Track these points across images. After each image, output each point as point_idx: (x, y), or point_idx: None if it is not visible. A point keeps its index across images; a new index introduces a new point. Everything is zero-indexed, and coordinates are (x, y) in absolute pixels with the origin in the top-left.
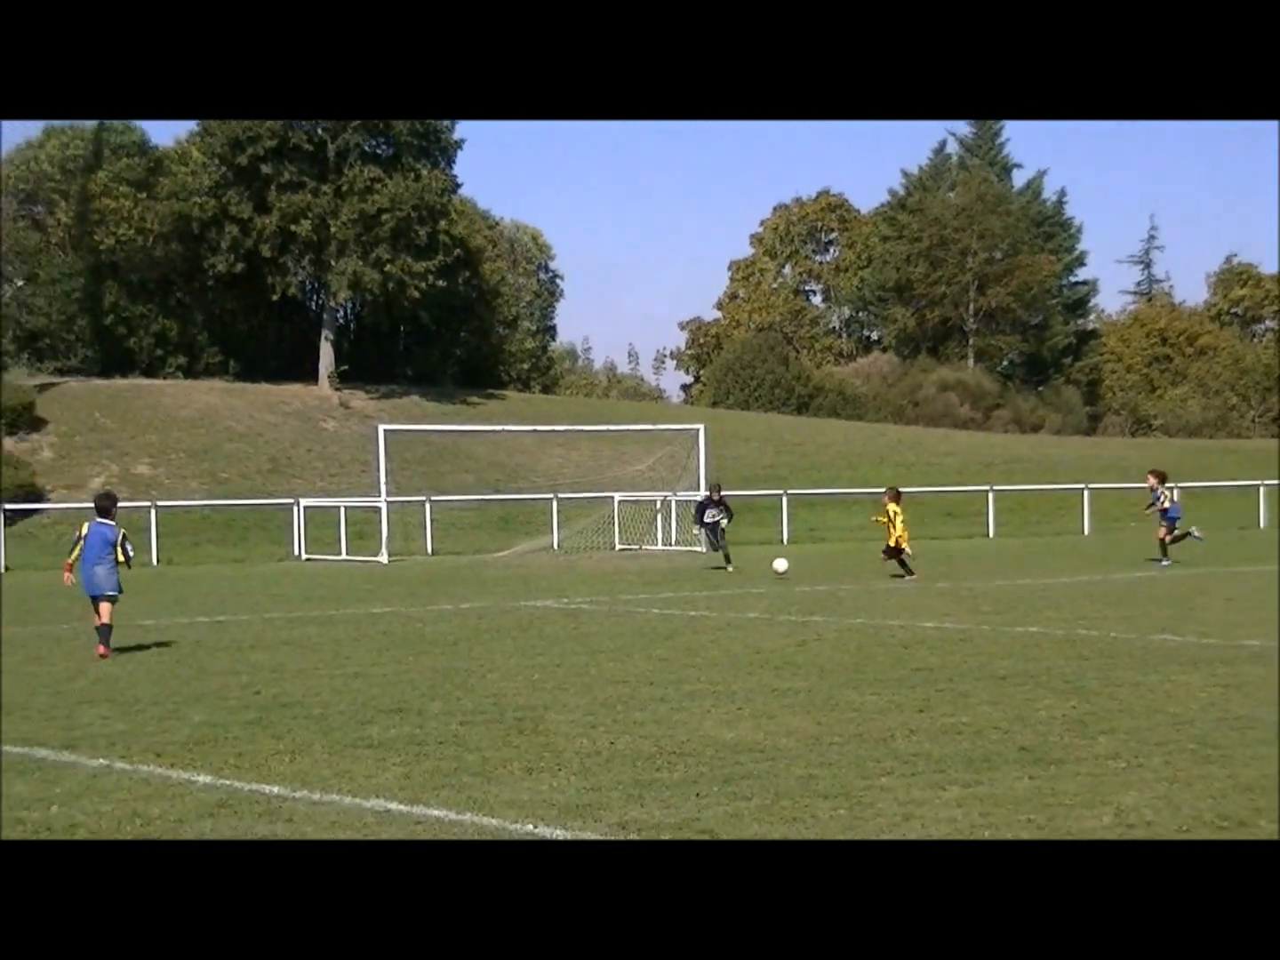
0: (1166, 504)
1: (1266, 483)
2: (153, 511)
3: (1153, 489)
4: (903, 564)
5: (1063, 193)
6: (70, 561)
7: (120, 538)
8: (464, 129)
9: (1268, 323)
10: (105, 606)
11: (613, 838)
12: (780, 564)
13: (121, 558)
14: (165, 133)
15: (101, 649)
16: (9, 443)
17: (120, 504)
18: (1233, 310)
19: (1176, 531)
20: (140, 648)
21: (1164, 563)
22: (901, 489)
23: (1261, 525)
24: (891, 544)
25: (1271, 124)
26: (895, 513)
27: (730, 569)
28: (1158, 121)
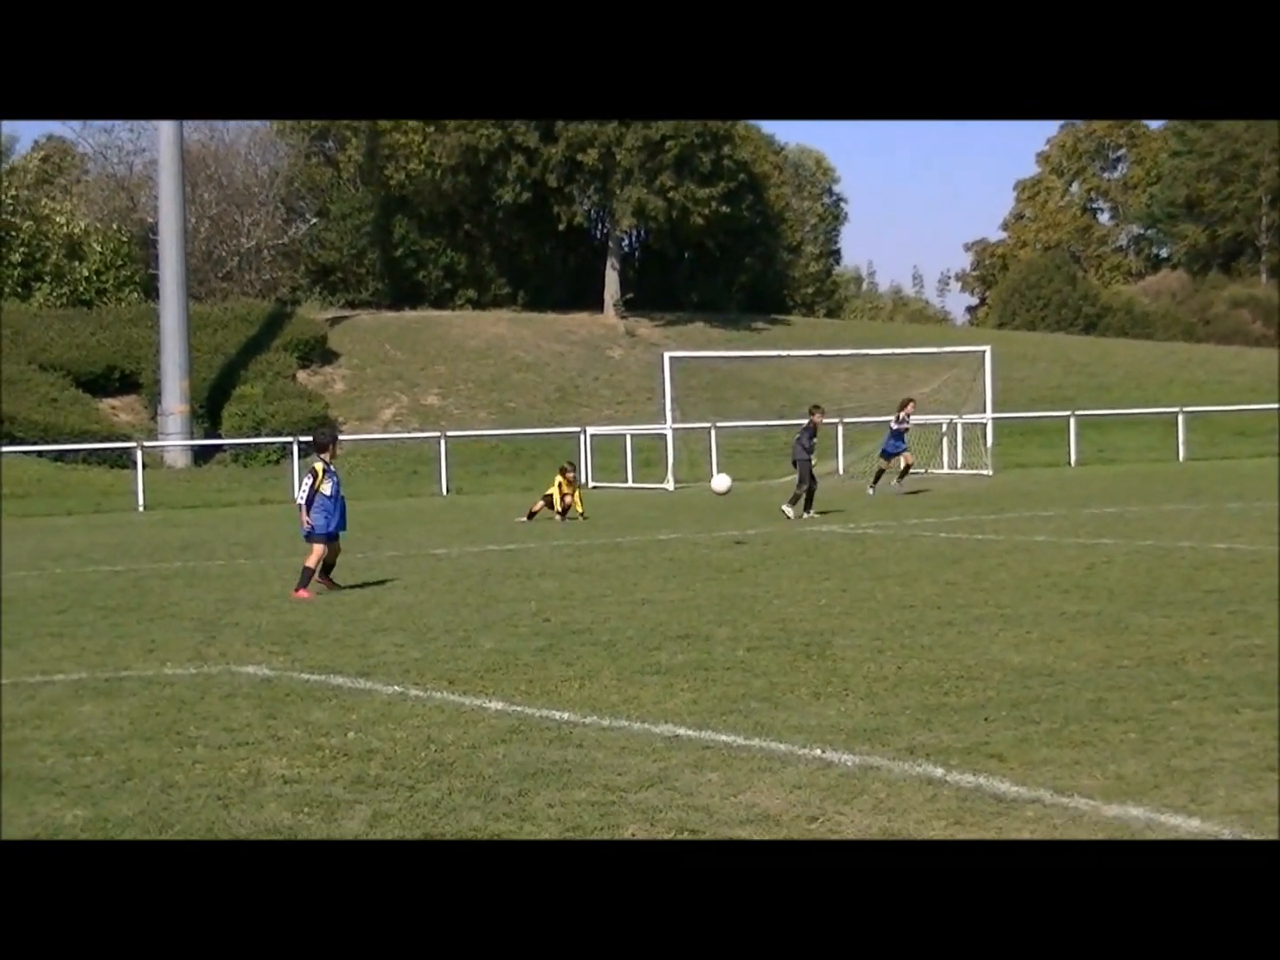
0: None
1: None
2: (442, 442)
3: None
4: None
5: None
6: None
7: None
8: None
9: None
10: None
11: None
12: (720, 482)
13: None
14: None
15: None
16: (303, 375)
17: (406, 435)
18: None
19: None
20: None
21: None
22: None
23: None
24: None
25: None
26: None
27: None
28: None
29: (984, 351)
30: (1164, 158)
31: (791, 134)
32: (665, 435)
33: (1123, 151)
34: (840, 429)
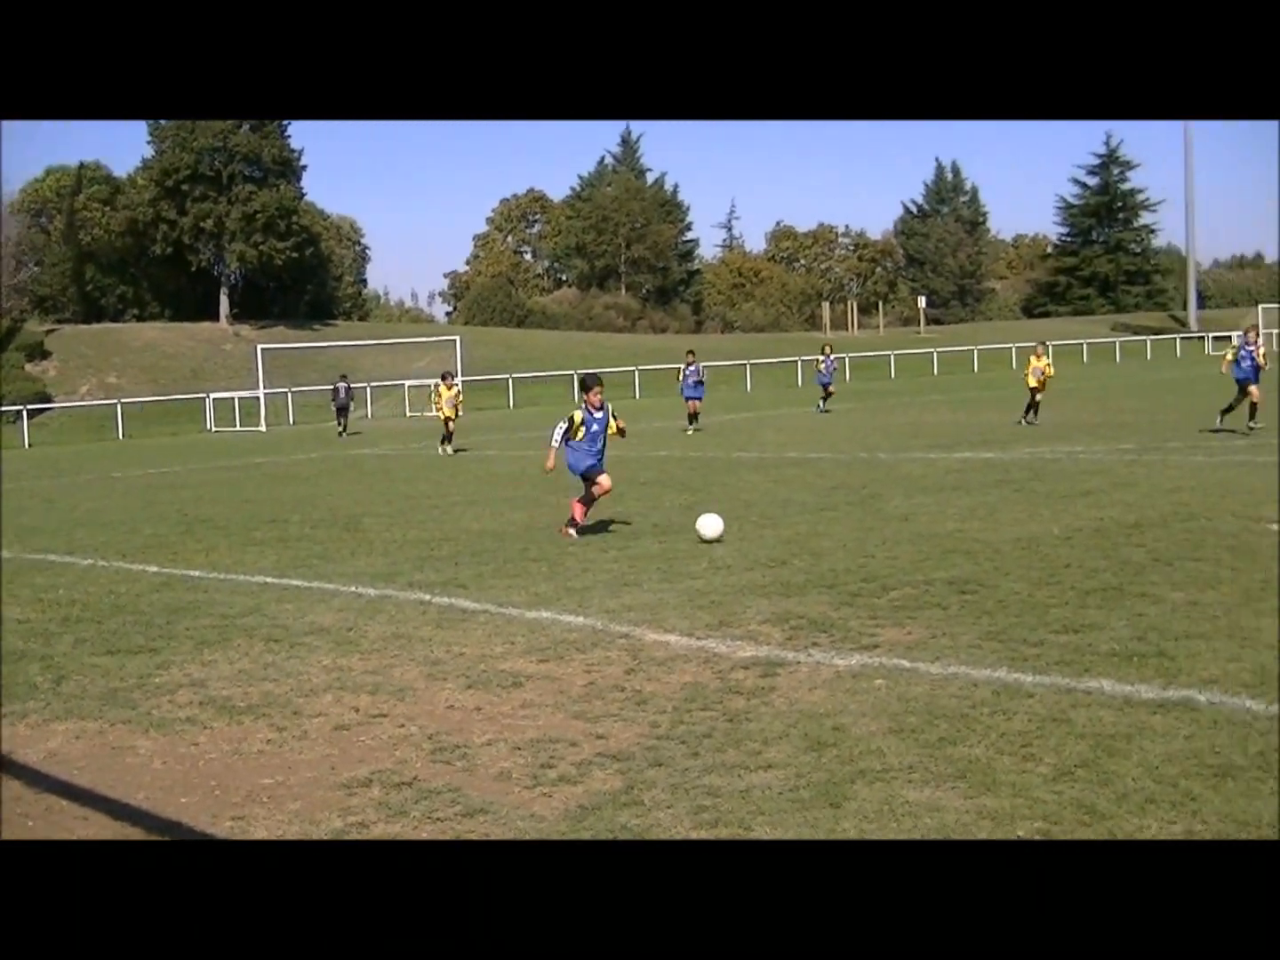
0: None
1: (802, 359)
2: (119, 406)
3: (824, 360)
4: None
5: (677, 185)
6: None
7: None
8: (308, 154)
9: (802, 261)
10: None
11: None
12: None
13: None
14: (121, 168)
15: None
16: (29, 366)
17: (96, 402)
18: (781, 255)
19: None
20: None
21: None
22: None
23: (799, 385)
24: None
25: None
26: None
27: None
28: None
29: (457, 339)
30: (563, 219)
31: (335, 206)
32: (259, 397)
33: (538, 215)
34: (369, 390)
